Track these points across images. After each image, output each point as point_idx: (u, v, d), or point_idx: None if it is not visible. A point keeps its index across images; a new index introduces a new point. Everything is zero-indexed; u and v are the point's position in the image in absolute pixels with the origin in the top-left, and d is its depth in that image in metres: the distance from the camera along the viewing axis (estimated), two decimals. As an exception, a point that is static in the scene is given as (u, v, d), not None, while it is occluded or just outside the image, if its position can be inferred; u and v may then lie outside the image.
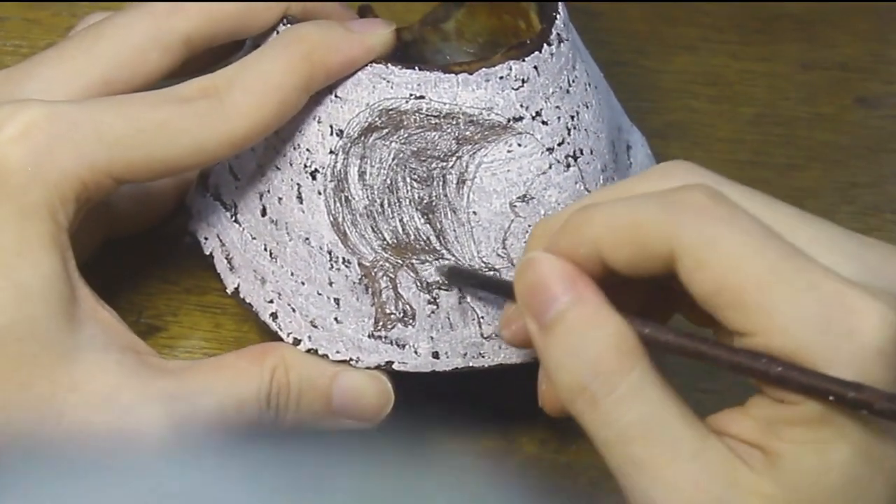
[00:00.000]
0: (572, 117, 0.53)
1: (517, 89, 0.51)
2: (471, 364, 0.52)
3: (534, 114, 0.52)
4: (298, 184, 0.52)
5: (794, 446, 0.42)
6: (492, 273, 0.52)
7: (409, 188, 0.51)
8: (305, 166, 0.52)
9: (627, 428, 0.43)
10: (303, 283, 0.52)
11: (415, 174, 0.51)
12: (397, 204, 0.51)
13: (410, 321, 0.52)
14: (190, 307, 0.59)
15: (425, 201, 0.51)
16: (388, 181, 0.51)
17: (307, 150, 0.52)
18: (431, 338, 0.52)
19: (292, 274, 0.52)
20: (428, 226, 0.51)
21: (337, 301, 0.52)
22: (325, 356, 0.52)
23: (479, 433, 0.57)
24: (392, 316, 0.52)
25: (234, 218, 0.54)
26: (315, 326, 0.52)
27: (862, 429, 0.42)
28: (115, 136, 0.48)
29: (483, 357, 0.52)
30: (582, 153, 0.53)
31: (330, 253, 0.52)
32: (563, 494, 0.56)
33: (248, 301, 0.54)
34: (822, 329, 0.41)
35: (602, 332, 0.44)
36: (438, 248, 0.51)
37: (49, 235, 0.48)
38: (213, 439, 0.49)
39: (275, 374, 0.51)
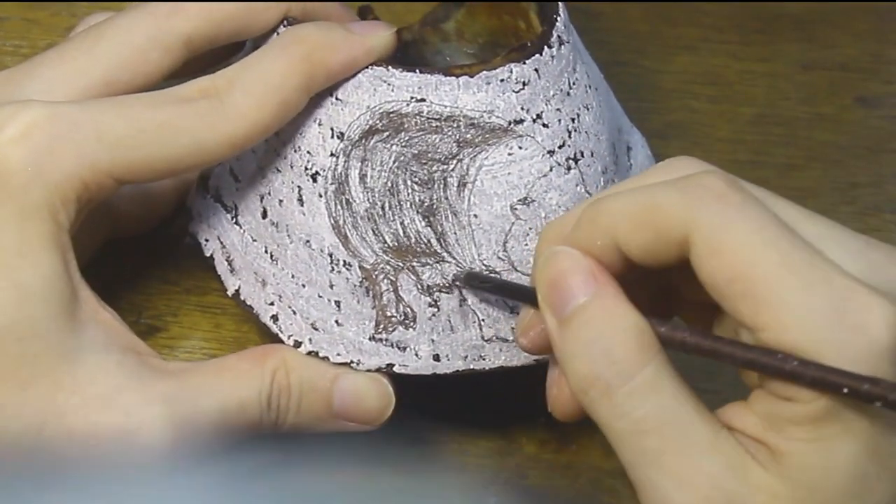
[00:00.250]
0: (573, 119, 0.53)
1: (518, 92, 0.51)
2: (472, 366, 0.52)
3: (534, 116, 0.52)
4: (299, 186, 0.52)
5: (799, 443, 0.42)
6: (493, 275, 0.52)
7: (409, 191, 0.51)
8: (306, 169, 0.52)
9: (642, 420, 0.44)
10: (303, 286, 0.52)
11: (416, 177, 0.51)
12: (398, 207, 0.51)
13: (411, 324, 0.52)
14: (190, 307, 0.59)
15: (426, 204, 0.51)
16: (389, 184, 0.51)
17: (308, 152, 0.52)
18: (432, 340, 0.52)
19: (293, 276, 0.52)
20: (429, 228, 0.51)
21: (338, 304, 0.52)
22: (325, 359, 0.52)
23: (479, 433, 0.57)
24: (393, 319, 0.52)
25: (234, 220, 0.54)
26: (316, 329, 0.52)
27: (868, 425, 0.42)
28: (116, 137, 0.48)
29: (484, 359, 0.52)
30: (583, 155, 0.53)
31: (331, 255, 0.52)
32: (563, 494, 0.56)
33: (248, 303, 0.54)
34: (832, 324, 0.42)
35: (620, 324, 0.44)
36: (439, 250, 0.51)
37: (50, 236, 0.48)
38: (214, 441, 0.49)
39: (275, 377, 0.51)
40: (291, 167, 0.52)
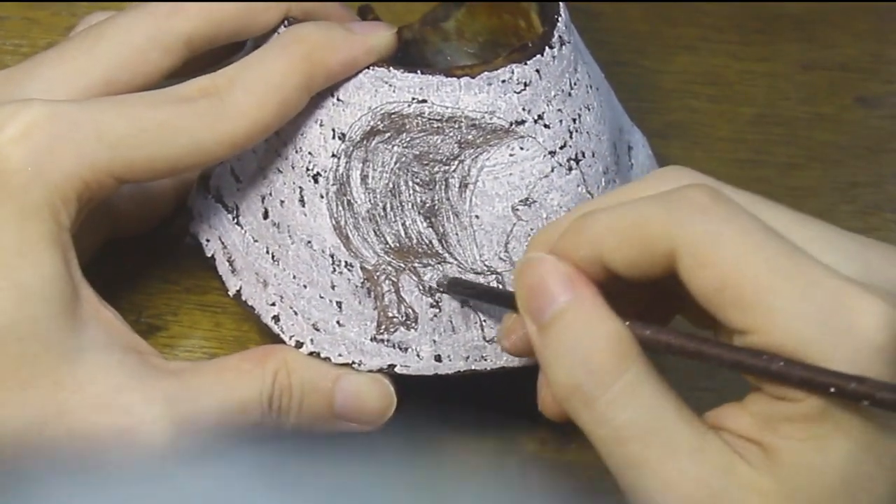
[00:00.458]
0: (574, 120, 0.53)
1: (519, 93, 0.51)
2: (473, 367, 0.52)
3: (536, 117, 0.52)
4: (300, 187, 0.52)
5: (792, 442, 0.42)
6: (494, 276, 0.52)
7: (411, 192, 0.51)
8: (307, 169, 0.52)
9: (622, 427, 0.44)
10: (305, 287, 0.52)
11: (417, 178, 0.51)
12: (399, 208, 0.51)
13: (413, 325, 0.52)
14: (190, 306, 0.59)
15: (428, 205, 0.51)
16: (391, 185, 0.51)
17: (309, 153, 0.52)
18: (434, 341, 0.52)
19: (294, 277, 0.52)
20: (430, 229, 0.51)
21: (339, 304, 0.52)
22: (327, 359, 0.52)
23: (479, 433, 0.57)
24: (394, 319, 0.52)
25: (235, 220, 0.54)
26: (317, 329, 0.52)
27: (862, 424, 0.42)
28: (116, 136, 0.48)
29: (485, 360, 0.52)
30: (584, 156, 0.53)
31: (332, 256, 0.52)
32: (564, 493, 0.56)
33: (249, 304, 0.54)
34: (822, 326, 0.41)
35: (598, 332, 0.44)
36: (441, 251, 0.51)
37: (51, 235, 0.48)
38: (215, 441, 0.49)
39: (277, 377, 0.51)
40: (293, 168, 0.52)
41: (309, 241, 0.52)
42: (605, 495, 0.56)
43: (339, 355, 0.52)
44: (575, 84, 0.53)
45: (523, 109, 0.51)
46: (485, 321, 0.52)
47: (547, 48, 0.52)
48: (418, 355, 0.52)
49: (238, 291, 0.54)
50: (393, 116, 0.51)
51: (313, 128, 0.52)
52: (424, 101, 0.51)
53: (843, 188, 0.67)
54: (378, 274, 0.51)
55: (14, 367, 0.47)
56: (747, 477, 0.43)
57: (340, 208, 0.51)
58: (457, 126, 0.51)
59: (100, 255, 0.55)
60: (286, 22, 0.54)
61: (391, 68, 0.51)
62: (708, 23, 0.72)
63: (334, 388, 0.52)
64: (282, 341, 0.53)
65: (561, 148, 0.52)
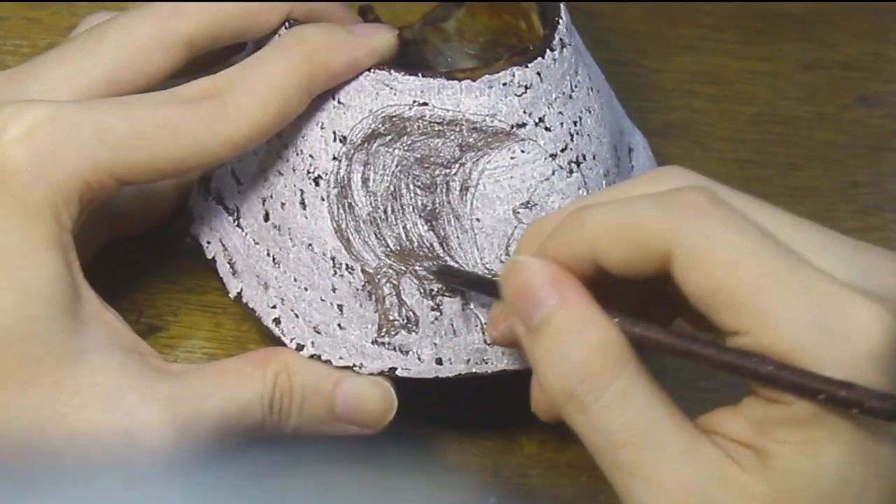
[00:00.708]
0: (575, 123, 0.53)
1: (520, 96, 0.51)
2: (474, 370, 0.52)
3: (537, 120, 0.52)
4: (301, 189, 0.52)
5: (785, 446, 0.42)
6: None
7: (412, 195, 0.51)
8: (308, 172, 0.52)
9: (615, 433, 0.44)
10: (306, 289, 0.52)
11: (418, 181, 0.51)
12: (401, 211, 0.51)
13: (414, 328, 0.52)
14: (190, 307, 0.59)
15: (429, 208, 0.51)
16: (392, 188, 0.51)
17: (310, 155, 0.52)
18: (435, 344, 0.52)
19: (295, 280, 0.52)
20: (431, 233, 0.51)
21: (340, 307, 0.52)
22: (328, 362, 0.52)
23: (479, 433, 0.57)
24: (395, 322, 0.52)
25: (236, 222, 0.54)
26: (318, 332, 0.52)
27: (854, 430, 0.42)
28: (118, 137, 0.48)
29: (486, 363, 0.52)
30: (584, 158, 0.53)
31: (333, 259, 0.52)
32: (564, 494, 0.56)
33: (250, 306, 0.54)
34: (814, 330, 0.41)
35: (588, 337, 0.44)
36: (442, 254, 0.51)
37: (52, 236, 0.48)
38: (216, 443, 0.50)
39: (278, 380, 0.51)
40: (294, 170, 0.52)
41: (310, 244, 0.52)
42: (605, 496, 0.56)
43: (340, 358, 0.52)
44: (576, 86, 0.53)
45: (524, 112, 0.51)
46: (486, 324, 0.52)
47: (548, 51, 0.52)
48: (419, 358, 0.52)
49: (239, 294, 0.54)
50: (394, 119, 0.51)
51: (314, 130, 0.52)
52: (425, 104, 0.51)
53: (843, 188, 0.67)
54: (379, 277, 0.51)
55: (15, 367, 0.47)
56: (739, 481, 0.43)
57: (341, 211, 0.51)
58: (458, 129, 0.51)
59: (100, 255, 0.55)
60: (287, 23, 0.54)
61: (392, 71, 0.51)
62: (708, 22, 0.72)
63: (335, 391, 0.52)
64: (282, 343, 0.53)
65: (562, 151, 0.52)
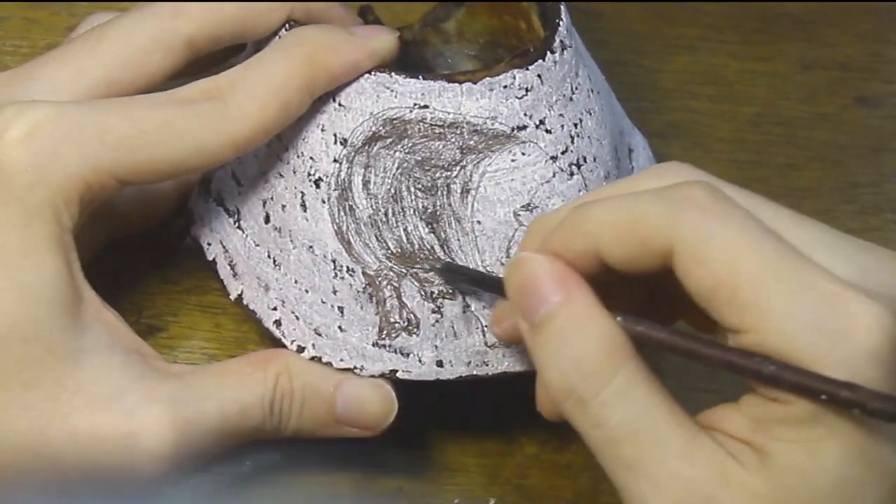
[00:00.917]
0: (575, 125, 0.53)
1: (521, 98, 0.51)
2: (475, 372, 0.52)
3: (537, 122, 0.52)
4: (302, 192, 0.52)
5: (785, 444, 0.42)
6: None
7: (413, 197, 0.51)
8: (309, 174, 0.52)
9: (615, 429, 0.44)
10: (307, 291, 0.52)
11: (419, 183, 0.51)
12: (401, 213, 0.51)
13: (415, 330, 0.52)
14: (190, 307, 0.59)
15: (429, 211, 0.51)
16: (393, 190, 0.51)
17: (311, 158, 0.52)
18: (436, 346, 0.52)
19: (296, 282, 0.52)
20: (432, 235, 0.51)
21: (341, 309, 0.52)
22: (328, 364, 0.52)
23: (479, 433, 0.57)
24: (396, 325, 0.52)
25: (237, 224, 0.54)
26: (319, 334, 0.52)
27: (855, 430, 0.42)
28: (119, 138, 0.48)
29: (487, 365, 0.52)
30: (585, 161, 0.53)
31: (334, 261, 0.52)
32: (564, 494, 0.57)
33: (251, 308, 0.54)
34: (816, 329, 0.41)
35: (589, 333, 0.44)
36: (443, 257, 0.51)
37: (53, 237, 0.48)
38: (216, 444, 0.50)
39: (279, 381, 0.51)
40: (294, 172, 0.52)
41: (310, 246, 0.52)
42: (605, 496, 0.56)
43: (341, 360, 0.52)
44: (576, 88, 0.53)
45: (525, 115, 0.51)
46: (486, 326, 0.52)
47: (548, 53, 0.52)
48: (420, 360, 0.52)
49: (240, 295, 0.54)
50: (395, 122, 0.51)
51: (315, 132, 0.52)
52: (426, 106, 0.51)
53: (843, 188, 0.67)
54: (380, 279, 0.51)
55: (16, 368, 0.47)
56: (739, 478, 0.43)
57: (342, 213, 0.51)
58: (458, 132, 0.51)
59: (100, 255, 0.55)
60: (288, 24, 0.53)
61: (393, 74, 0.51)
62: (708, 23, 0.72)
63: (336, 393, 0.52)
64: (283, 345, 0.53)
65: (562, 153, 0.52)
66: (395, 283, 0.51)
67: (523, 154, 0.51)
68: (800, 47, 0.72)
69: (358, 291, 0.52)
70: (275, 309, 0.53)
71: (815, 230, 0.45)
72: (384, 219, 0.51)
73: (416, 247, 0.51)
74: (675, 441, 0.43)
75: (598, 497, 0.56)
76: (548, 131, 0.52)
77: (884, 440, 0.42)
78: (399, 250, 0.51)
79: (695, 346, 0.44)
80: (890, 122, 0.69)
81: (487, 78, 0.51)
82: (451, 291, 0.52)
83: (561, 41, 0.53)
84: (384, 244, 0.51)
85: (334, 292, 0.52)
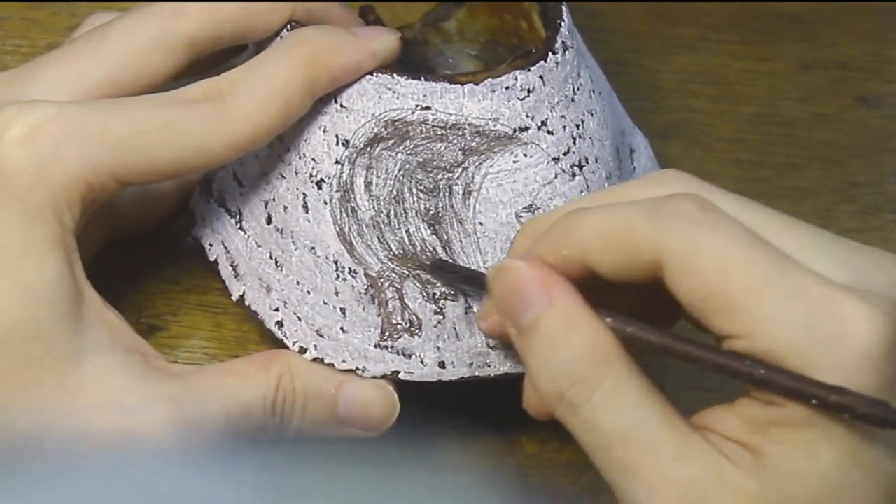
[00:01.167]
0: (577, 126, 0.53)
1: (523, 99, 0.51)
2: (476, 373, 0.52)
3: (539, 123, 0.52)
4: (304, 193, 0.52)
5: (780, 447, 0.43)
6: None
7: (415, 199, 0.51)
8: (311, 176, 0.52)
9: (607, 434, 0.44)
10: (309, 293, 0.52)
11: (421, 185, 0.51)
12: (403, 215, 0.51)
13: (417, 331, 0.52)
14: (190, 307, 0.59)
15: (431, 212, 0.51)
16: (395, 192, 0.51)
17: (312, 159, 0.52)
18: (438, 348, 0.52)
19: (298, 283, 0.52)
20: (434, 236, 0.51)
21: (343, 311, 0.52)
22: (330, 365, 0.52)
23: (480, 433, 0.57)
24: (398, 326, 0.52)
25: (238, 225, 0.54)
26: (321, 335, 0.52)
27: (848, 433, 0.42)
28: (120, 138, 0.48)
29: (489, 366, 0.52)
30: (587, 161, 0.53)
31: (336, 263, 0.52)
32: (564, 494, 0.57)
33: (253, 309, 0.54)
34: (808, 333, 0.41)
35: (576, 338, 0.44)
36: (445, 258, 0.51)
37: (55, 237, 0.48)
38: (218, 444, 0.50)
39: (281, 382, 0.51)
40: (296, 174, 0.52)
41: (313, 248, 0.52)
42: (605, 496, 0.56)
43: (343, 361, 0.52)
44: (578, 89, 0.53)
45: (527, 116, 0.51)
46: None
47: (550, 54, 0.52)
48: (422, 362, 0.52)
49: (241, 296, 0.54)
50: (396, 123, 0.51)
51: (317, 134, 0.52)
52: (428, 107, 0.51)
53: (843, 188, 0.67)
54: (382, 280, 0.51)
55: (18, 368, 0.47)
56: (733, 478, 0.43)
57: (344, 215, 0.51)
58: (460, 133, 0.51)
59: (100, 255, 0.55)
60: (289, 25, 0.53)
61: (395, 75, 0.51)
62: (708, 22, 0.72)
63: (338, 394, 0.52)
64: (285, 346, 0.53)
65: (564, 154, 0.52)
66: (397, 285, 0.51)
67: (525, 155, 0.51)
68: (800, 47, 0.72)
69: (360, 293, 0.52)
70: (277, 310, 0.53)
71: (808, 234, 0.45)
72: (386, 220, 0.51)
73: (419, 248, 0.51)
74: (668, 443, 0.43)
75: (599, 496, 0.56)
76: (550, 132, 0.52)
77: (878, 443, 0.43)
78: (401, 252, 0.51)
79: (686, 349, 0.44)
80: (890, 122, 0.69)
81: (489, 79, 0.51)
82: (452, 293, 0.52)
83: (563, 42, 0.53)
84: (386, 245, 0.51)
85: (336, 293, 0.52)
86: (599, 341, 0.44)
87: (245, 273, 0.54)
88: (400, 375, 0.52)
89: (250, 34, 0.54)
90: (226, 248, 0.55)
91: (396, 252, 0.51)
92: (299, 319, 0.52)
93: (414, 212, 0.51)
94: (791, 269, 0.42)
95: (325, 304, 0.52)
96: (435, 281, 0.52)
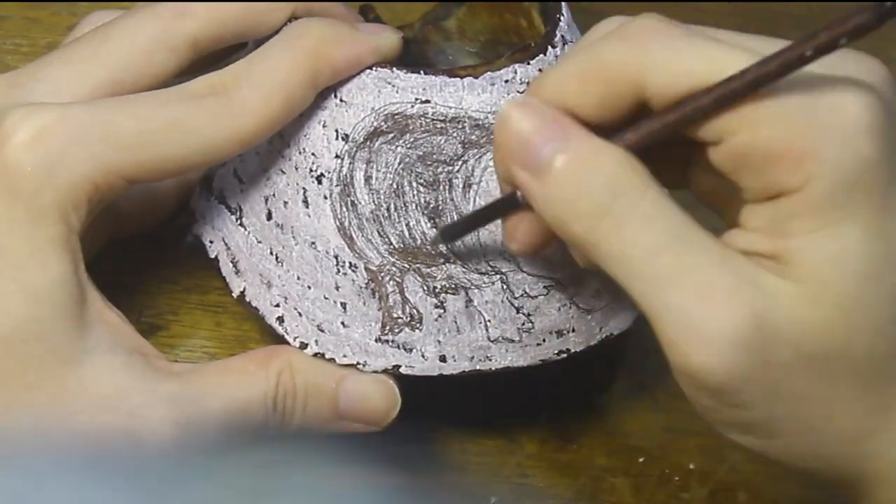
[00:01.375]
0: (576, 119, 0.53)
1: (522, 93, 0.51)
2: (478, 367, 0.52)
3: (539, 117, 0.52)
4: (304, 188, 0.52)
5: (806, 238, 0.43)
6: (498, 276, 0.52)
7: (415, 192, 0.51)
8: (311, 170, 0.52)
9: (655, 241, 0.43)
10: (309, 288, 0.52)
11: (421, 178, 0.51)
12: (403, 208, 0.51)
13: (417, 325, 0.52)
14: (191, 306, 0.59)
15: (432, 205, 0.51)
16: (395, 185, 0.51)
17: (312, 154, 0.52)
18: (438, 341, 0.52)
19: (299, 278, 0.52)
20: (434, 230, 0.51)
21: (343, 305, 0.52)
22: (331, 360, 0.52)
23: (480, 432, 0.57)
24: (399, 320, 0.52)
25: (239, 221, 0.54)
26: (322, 330, 0.52)
27: (872, 209, 0.42)
28: (126, 137, 0.48)
29: (490, 360, 0.52)
30: (585, 155, 0.53)
31: (336, 257, 0.52)
32: (564, 493, 0.57)
33: (254, 305, 0.54)
34: (806, 112, 0.42)
35: (608, 156, 0.44)
36: (445, 251, 0.51)
37: (60, 239, 0.48)
38: (219, 442, 0.50)
39: (281, 378, 0.51)
40: (296, 169, 0.52)
41: (313, 243, 0.52)
42: (605, 495, 0.56)
43: (344, 356, 0.52)
44: (577, 84, 0.53)
45: (526, 109, 0.52)
46: (489, 321, 0.52)
47: (549, 48, 0.52)
48: (423, 356, 0.52)
49: (242, 293, 0.54)
50: (396, 117, 0.51)
51: (316, 129, 0.52)
52: (428, 101, 0.51)
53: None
54: (382, 275, 0.51)
55: (20, 369, 0.47)
56: (774, 285, 0.43)
57: (344, 209, 0.51)
58: (460, 126, 0.51)
59: (101, 255, 0.55)
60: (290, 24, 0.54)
61: (394, 69, 0.51)
62: (708, 23, 0.72)
63: (338, 389, 0.52)
64: (285, 342, 0.53)
65: (563, 147, 0.52)
66: (397, 279, 0.51)
67: (525, 149, 0.52)
68: (799, 47, 0.72)
69: (360, 287, 0.52)
70: (277, 306, 0.53)
71: (767, 41, 0.44)
72: (386, 214, 0.51)
73: (419, 242, 0.51)
74: (712, 250, 0.43)
75: (598, 496, 0.56)
76: (549, 126, 0.52)
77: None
78: (401, 245, 0.51)
79: (686, 106, 0.43)
80: (890, 121, 0.69)
81: (489, 72, 0.51)
82: (453, 286, 0.52)
83: (562, 36, 0.53)
84: (386, 239, 0.51)
85: (337, 288, 0.52)
86: (632, 158, 0.44)
87: (246, 269, 0.54)
88: (401, 369, 0.52)
89: (252, 33, 0.54)
90: (226, 244, 0.55)
91: (397, 246, 0.51)
92: (300, 315, 0.52)
93: (414, 205, 0.51)
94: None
95: (326, 298, 0.52)
96: (436, 275, 0.52)
